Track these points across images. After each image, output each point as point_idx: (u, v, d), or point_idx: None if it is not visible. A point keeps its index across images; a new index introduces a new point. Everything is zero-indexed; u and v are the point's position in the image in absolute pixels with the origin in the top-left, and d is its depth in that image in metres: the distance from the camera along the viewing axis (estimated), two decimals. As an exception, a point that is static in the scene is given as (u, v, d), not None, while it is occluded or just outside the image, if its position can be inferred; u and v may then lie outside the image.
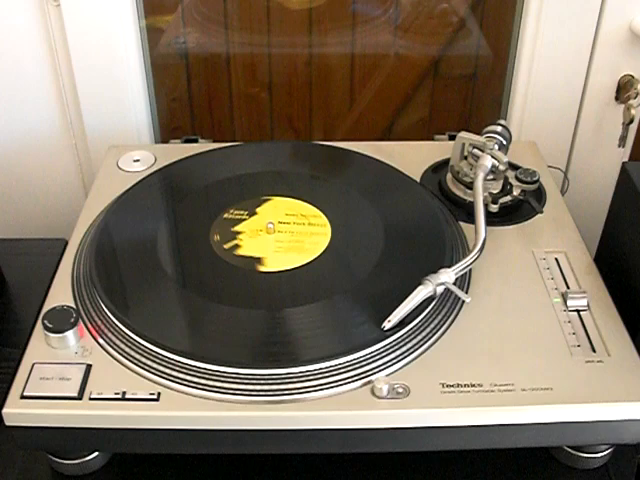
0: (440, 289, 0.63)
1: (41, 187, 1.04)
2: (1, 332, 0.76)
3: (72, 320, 0.62)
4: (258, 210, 0.76)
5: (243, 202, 0.77)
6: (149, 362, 0.60)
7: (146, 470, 0.64)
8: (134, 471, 0.64)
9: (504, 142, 0.78)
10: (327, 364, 0.59)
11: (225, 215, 0.75)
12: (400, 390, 0.58)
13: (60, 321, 0.62)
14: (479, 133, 0.79)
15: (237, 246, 0.71)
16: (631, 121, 0.93)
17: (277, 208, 0.76)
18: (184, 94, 1.09)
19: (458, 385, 0.58)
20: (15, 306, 0.79)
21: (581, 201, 0.95)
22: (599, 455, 0.64)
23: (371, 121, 1.12)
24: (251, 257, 0.70)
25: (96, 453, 0.63)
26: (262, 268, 0.69)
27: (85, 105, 0.97)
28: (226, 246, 0.71)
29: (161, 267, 0.68)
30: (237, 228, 0.73)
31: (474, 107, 1.10)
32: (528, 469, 0.65)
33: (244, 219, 0.74)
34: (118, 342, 0.61)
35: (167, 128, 1.08)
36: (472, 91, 1.09)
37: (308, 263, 0.69)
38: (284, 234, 0.73)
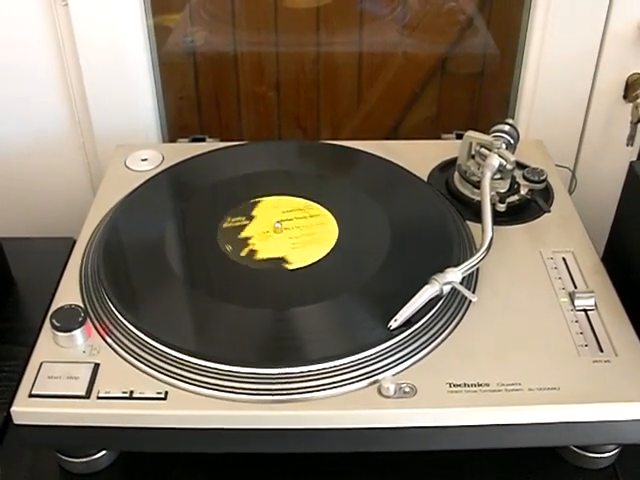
0: (447, 288, 0.63)
1: (49, 186, 1.05)
2: (10, 331, 0.76)
3: (80, 319, 0.62)
4: (256, 213, 0.75)
5: (238, 207, 0.76)
6: (157, 361, 0.60)
7: (153, 469, 0.65)
8: (141, 470, 0.65)
9: (511, 141, 0.78)
10: (334, 363, 0.59)
11: (226, 223, 0.74)
12: (407, 390, 0.58)
13: (68, 320, 0.62)
14: (487, 132, 0.79)
15: (252, 251, 0.70)
16: (639, 120, 0.93)
17: (274, 207, 0.76)
18: (192, 93, 1.09)
19: (465, 385, 0.58)
20: (23, 305, 0.80)
21: (589, 200, 0.95)
22: (606, 455, 0.64)
23: (378, 120, 1.12)
24: (270, 258, 0.69)
25: (104, 452, 0.63)
26: (286, 266, 0.69)
27: (93, 104, 0.97)
28: (240, 253, 0.70)
29: (169, 266, 0.68)
30: (244, 234, 0.73)
31: (482, 106, 1.10)
32: (535, 469, 0.65)
33: (246, 224, 0.74)
34: (126, 341, 0.62)
35: (175, 127, 1.08)
36: (479, 90, 1.09)
37: (315, 263, 0.69)
38: (293, 230, 0.73)
